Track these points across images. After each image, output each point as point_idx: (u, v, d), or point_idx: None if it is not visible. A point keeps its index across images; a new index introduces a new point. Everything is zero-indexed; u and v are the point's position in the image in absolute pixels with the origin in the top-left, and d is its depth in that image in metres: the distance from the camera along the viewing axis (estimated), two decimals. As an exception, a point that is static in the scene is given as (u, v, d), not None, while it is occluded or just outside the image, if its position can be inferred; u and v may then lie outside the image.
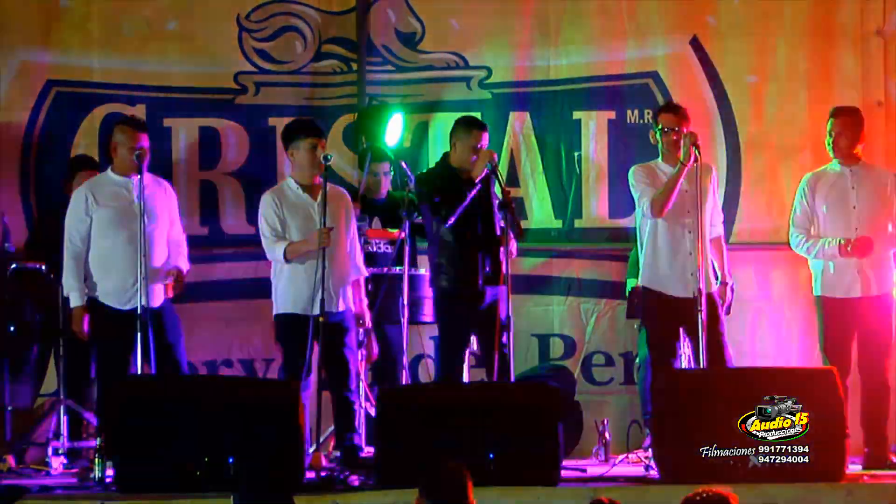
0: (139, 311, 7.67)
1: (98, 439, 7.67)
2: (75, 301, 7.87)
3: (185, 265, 8.03)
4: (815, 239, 8.25)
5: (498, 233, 8.01)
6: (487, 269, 8.03)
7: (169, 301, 7.96)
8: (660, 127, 8.11)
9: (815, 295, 8.31)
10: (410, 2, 9.38)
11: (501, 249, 7.97)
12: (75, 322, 7.87)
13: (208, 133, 9.26)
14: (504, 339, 7.97)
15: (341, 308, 7.88)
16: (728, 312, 8.28)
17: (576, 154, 9.38)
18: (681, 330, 8.06)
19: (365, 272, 8.12)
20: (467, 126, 8.19)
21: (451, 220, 7.99)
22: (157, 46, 9.27)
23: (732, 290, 8.33)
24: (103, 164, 8.38)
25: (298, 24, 9.37)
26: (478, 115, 8.94)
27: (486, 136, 8.17)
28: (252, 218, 9.13)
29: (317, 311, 7.72)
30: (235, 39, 9.32)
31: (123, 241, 7.83)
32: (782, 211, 9.05)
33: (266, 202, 7.95)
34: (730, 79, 9.37)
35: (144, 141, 7.93)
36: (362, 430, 8.16)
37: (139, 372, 7.72)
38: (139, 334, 7.67)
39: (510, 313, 7.93)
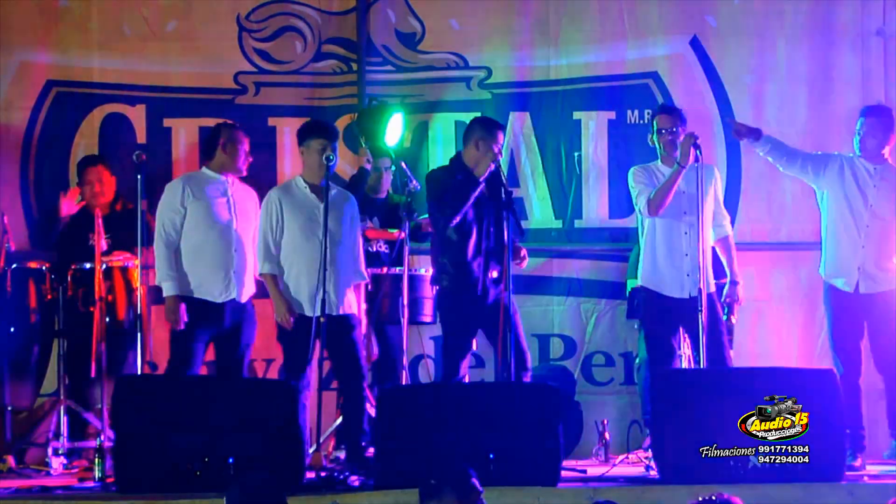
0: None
1: (98, 439, 7.68)
2: (168, 290, 7.93)
3: None
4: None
5: (507, 236, 7.99)
6: (495, 273, 8.00)
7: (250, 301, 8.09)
8: (657, 128, 8.12)
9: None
10: (410, 2, 9.38)
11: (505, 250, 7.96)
12: (169, 312, 7.93)
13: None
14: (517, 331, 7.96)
15: (344, 311, 7.88)
16: (732, 312, 8.29)
17: (576, 154, 9.38)
18: (680, 330, 8.06)
19: (366, 277, 8.12)
20: (489, 127, 8.15)
21: (456, 219, 7.98)
22: (157, 46, 9.27)
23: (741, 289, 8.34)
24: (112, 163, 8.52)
25: (298, 24, 9.37)
26: (478, 115, 8.94)
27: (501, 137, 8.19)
28: (252, 218, 9.16)
29: (317, 311, 7.73)
30: (235, 39, 9.32)
31: (215, 237, 7.97)
32: (782, 211, 9.07)
33: (266, 204, 7.97)
34: (730, 79, 9.37)
35: (247, 145, 8.15)
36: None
37: (139, 372, 7.74)
38: (139, 333, 7.73)
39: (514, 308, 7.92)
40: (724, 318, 8.19)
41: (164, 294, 7.95)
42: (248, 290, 8.07)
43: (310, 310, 7.79)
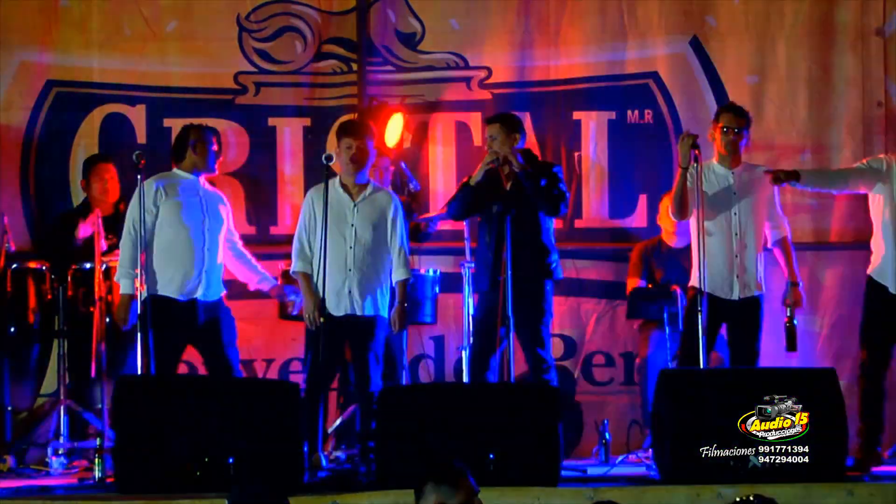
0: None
1: (98, 439, 7.69)
2: (124, 288, 7.95)
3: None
4: None
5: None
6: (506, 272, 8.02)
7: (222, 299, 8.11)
8: (722, 126, 8.09)
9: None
10: (410, 2, 9.38)
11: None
12: (120, 309, 7.96)
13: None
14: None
15: (366, 312, 7.88)
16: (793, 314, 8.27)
17: (576, 154, 9.38)
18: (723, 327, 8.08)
19: (409, 275, 8.05)
20: (513, 124, 8.21)
21: (449, 213, 8.07)
22: (157, 46, 9.27)
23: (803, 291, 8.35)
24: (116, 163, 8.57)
25: (298, 24, 9.37)
26: (478, 115, 8.95)
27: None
28: (252, 218, 9.16)
29: (343, 311, 7.77)
30: (235, 39, 9.31)
31: (186, 236, 7.98)
32: (782, 211, 9.04)
33: (304, 203, 8.04)
34: (730, 79, 9.36)
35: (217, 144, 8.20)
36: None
37: (139, 372, 7.74)
38: (139, 333, 7.72)
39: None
40: (787, 321, 8.18)
41: (122, 291, 7.96)
42: (218, 289, 8.07)
43: (333, 309, 7.80)
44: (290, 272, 8.04)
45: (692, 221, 8.06)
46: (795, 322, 8.29)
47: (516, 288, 7.84)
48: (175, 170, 8.16)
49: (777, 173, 8.20)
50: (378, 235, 7.95)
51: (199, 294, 7.98)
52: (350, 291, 7.82)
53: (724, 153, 8.15)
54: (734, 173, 8.14)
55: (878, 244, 8.14)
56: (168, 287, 7.96)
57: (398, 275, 7.98)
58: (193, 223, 8.02)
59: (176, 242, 7.98)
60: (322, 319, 7.76)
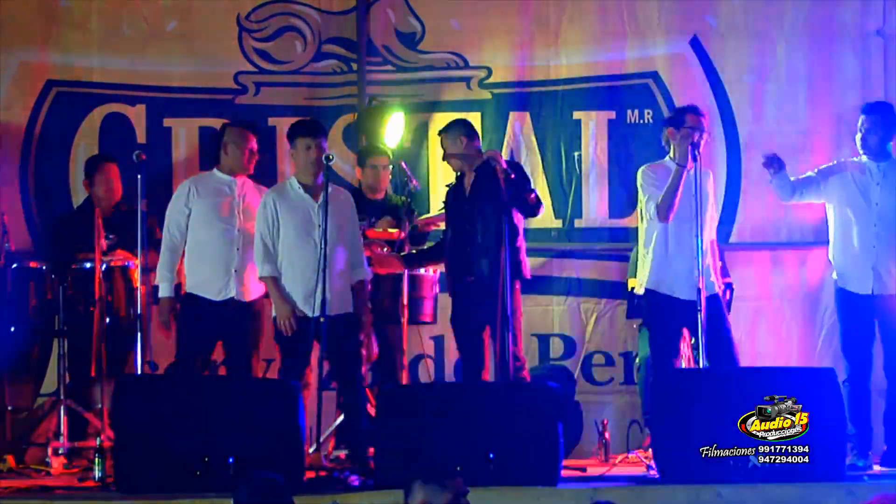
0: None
1: (98, 439, 7.68)
2: (163, 292, 8.00)
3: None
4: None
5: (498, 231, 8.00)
6: (479, 269, 8.03)
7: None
8: (686, 126, 8.04)
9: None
10: (410, 2, 9.38)
11: (502, 249, 7.96)
12: (161, 313, 8.02)
13: (208, 133, 9.26)
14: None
15: (339, 310, 7.87)
16: (728, 311, 8.30)
17: (576, 154, 9.38)
18: (685, 331, 8.05)
19: (369, 273, 8.10)
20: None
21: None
22: (157, 46, 9.27)
23: (731, 290, 8.33)
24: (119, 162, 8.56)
25: (298, 24, 9.37)
26: (478, 115, 8.96)
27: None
28: (252, 218, 9.14)
29: (316, 312, 7.73)
30: (235, 39, 9.32)
31: (217, 235, 8.01)
32: (782, 211, 9.06)
33: (261, 206, 7.95)
34: (730, 79, 9.36)
35: (254, 143, 8.15)
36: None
37: (139, 372, 7.74)
38: (139, 333, 7.73)
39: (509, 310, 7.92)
40: None
41: (160, 294, 8.00)
42: (253, 289, 8.07)
43: (307, 310, 7.79)
44: (258, 277, 7.95)
45: (658, 224, 8.01)
46: None
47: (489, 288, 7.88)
48: (214, 170, 8.17)
49: (771, 155, 8.24)
50: (342, 235, 7.93)
51: (225, 294, 7.99)
52: (323, 292, 7.75)
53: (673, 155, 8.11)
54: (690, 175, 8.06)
55: (835, 250, 8.20)
56: (201, 287, 7.99)
57: (358, 274, 7.99)
58: (225, 223, 8.02)
59: (206, 242, 8.01)
60: (294, 325, 7.76)
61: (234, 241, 8.03)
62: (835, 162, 8.37)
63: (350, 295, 7.95)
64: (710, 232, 8.09)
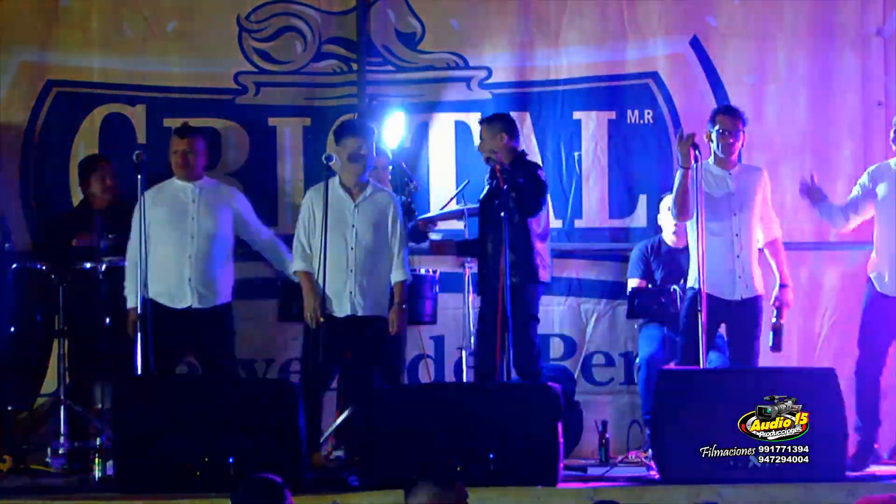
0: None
1: (98, 439, 7.68)
2: (129, 303, 7.98)
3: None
4: None
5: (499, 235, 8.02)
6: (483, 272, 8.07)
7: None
8: (717, 128, 8.09)
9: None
10: (410, 2, 9.38)
11: (502, 249, 7.97)
12: (129, 324, 7.96)
13: (208, 133, 9.25)
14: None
15: (369, 313, 7.88)
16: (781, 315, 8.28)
17: (576, 154, 9.37)
18: (721, 329, 8.08)
19: (408, 276, 8.06)
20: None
21: None
22: (157, 46, 9.27)
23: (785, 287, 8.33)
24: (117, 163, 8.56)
25: (298, 24, 9.37)
26: (478, 115, 8.95)
27: None
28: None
29: (345, 312, 7.77)
30: (235, 39, 9.31)
31: (172, 244, 7.99)
32: (782, 211, 9.05)
33: (304, 203, 8.02)
34: (730, 79, 9.36)
35: (182, 145, 8.14)
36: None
37: (139, 372, 7.74)
38: (139, 334, 7.72)
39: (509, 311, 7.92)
40: (774, 320, 8.19)
41: (128, 305, 7.98)
42: (216, 297, 8.03)
43: (335, 310, 7.80)
44: (291, 272, 8.03)
45: (689, 222, 8.06)
46: (782, 323, 8.30)
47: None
48: (173, 178, 8.20)
49: (813, 185, 8.27)
50: (379, 236, 7.95)
51: (191, 303, 7.97)
52: (351, 292, 7.82)
53: (721, 155, 8.15)
54: (731, 175, 8.15)
55: (878, 243, 8.16)
56: (162, 296, 7.97)
57: (397, 276, 7.98)
58: (178, 232, 8.01)
59: (162, 252, 7.99)
60: (322, 319, 7.76)
61: (186, 250, 7.99)
62: (877, 165, 8.34)
63: (385, 298, 7.95)
64: (766, 232, 8.15)
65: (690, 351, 7.89)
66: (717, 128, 8.12)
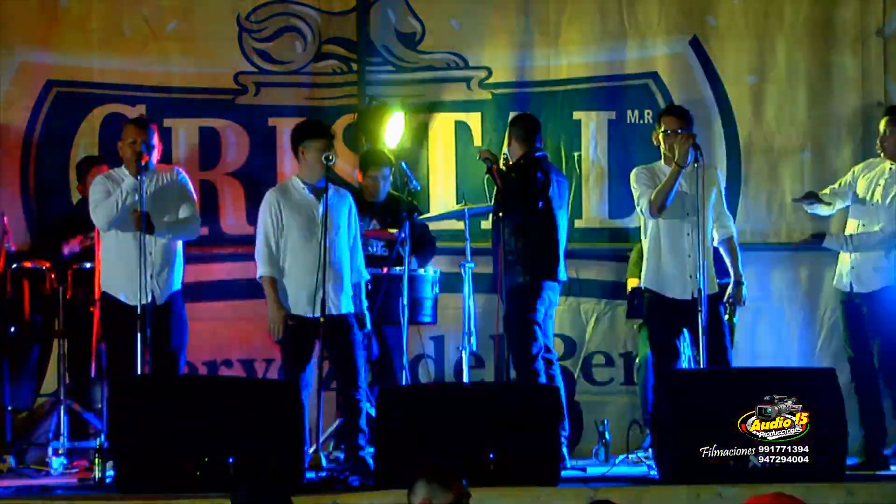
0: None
1: (98, 439, 7.68)
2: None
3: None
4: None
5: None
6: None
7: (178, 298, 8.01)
8: (662, 129, 8.10)
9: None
10: (410, 2, 9.38)
11: (500, 249, 7.99)
12: None
13: (208, 133, 9.26)
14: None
15: (342, 310, 7.87)
16: (733, 312, 8.29)
17: (576, 154, 9.38)
18: (684, 330, 8.04)
19: (367, 275, 8.10)
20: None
21: None
22: (157, 46, 9.27)
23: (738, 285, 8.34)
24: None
25: (298, 24, 9.37)
26: (478, 115, 8.96)
27: None
28: (252, 218, 9.12)
29: (317, 312, 7.71)
30: (235, 39, 9.32)
31: (123, 241, 7.90)
32: (782, 211, 9.06)
33: (265, 205, 7.93)
34: (730, 79, 9.36)
35: (141, 136, 7.93)
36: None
37: (139, 372, 7.73)
38: (139, 333, 7.72)
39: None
40: (726, 318, 8.17)
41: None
42: (166, 289, 7.97)
43: (309, 310, 7.78)
44: (257, 277, 7.91)
45: (652, 222, 8.03)
46: (736, 320, 8.38)
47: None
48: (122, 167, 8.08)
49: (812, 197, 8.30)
50: (344, 233, 7.93)
51: (146, 300, 7.76)
52: (325, 291, 7.73)
53: (669, 154, 8.09)
54: (682, 174, 8.06)
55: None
56: (117, 292, 7.90)
57: (356, 276, 7.99)
58: (129, 228, 7.87)
59: (118, 246, 7.90)
60: (289, 324, 7.73)
61: (141, 247, 7.75)
62: (855, 168, 8.37)
63: (352, 295, 7.94)
64: (721, 231, 8.14)
65: (660, 354, 7.93)
66: (662, 129, 8.09)
